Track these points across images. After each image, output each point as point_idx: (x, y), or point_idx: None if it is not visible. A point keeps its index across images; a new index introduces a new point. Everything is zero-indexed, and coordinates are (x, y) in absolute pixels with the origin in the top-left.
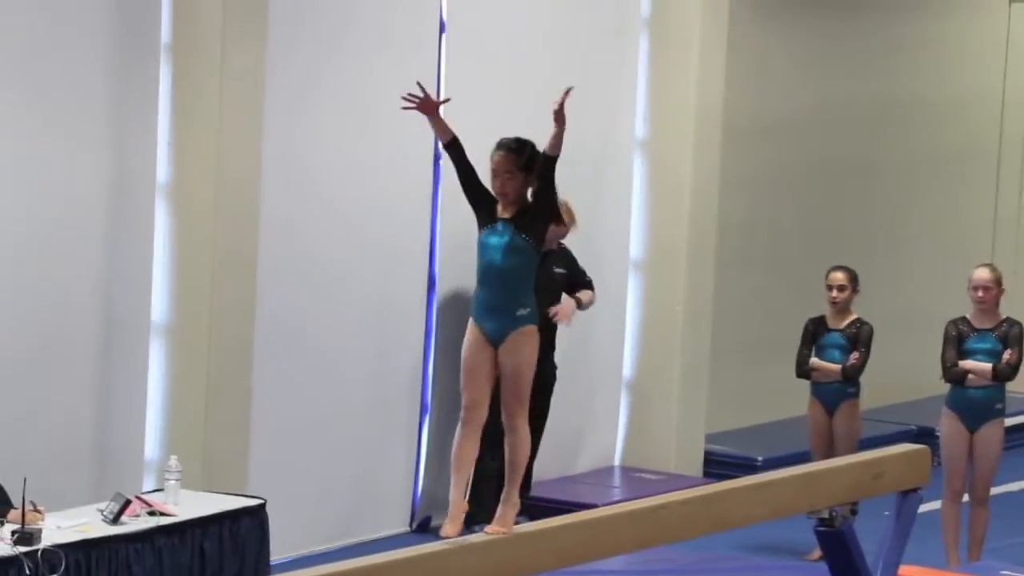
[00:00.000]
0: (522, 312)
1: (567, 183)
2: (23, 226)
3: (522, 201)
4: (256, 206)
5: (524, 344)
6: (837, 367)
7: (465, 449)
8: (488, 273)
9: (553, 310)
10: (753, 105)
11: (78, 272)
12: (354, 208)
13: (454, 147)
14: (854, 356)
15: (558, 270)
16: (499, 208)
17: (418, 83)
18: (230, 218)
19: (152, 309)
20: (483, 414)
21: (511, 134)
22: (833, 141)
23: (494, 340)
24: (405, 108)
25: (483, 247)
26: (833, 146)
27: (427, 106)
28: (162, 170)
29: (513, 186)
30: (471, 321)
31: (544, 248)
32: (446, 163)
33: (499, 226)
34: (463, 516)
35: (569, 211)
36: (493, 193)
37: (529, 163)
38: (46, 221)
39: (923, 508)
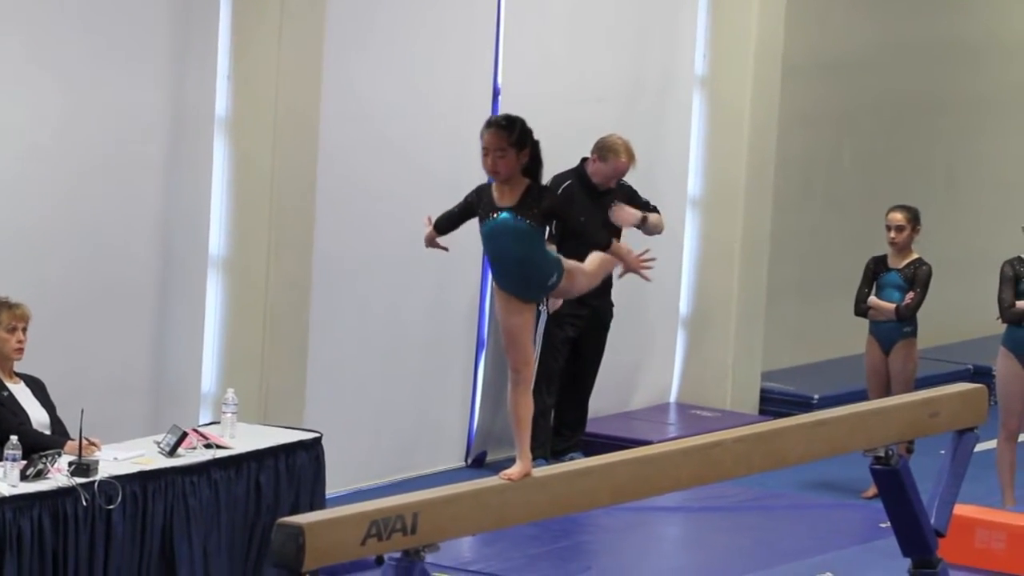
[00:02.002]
0: (552, 281)
1: (626, 120)
2: (83, 160)
3: (517, 183)
4: (315, 141)
5: (569, 286)
6: (892, 306)
7: (523, 407)
8: (502, 263)
9: (614, 212)
10: (813, 42)
11: (137, 206)
12: (413, 143)
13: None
14: (909, 296)
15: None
16: (495, 195)
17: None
18: (289, 153)
19: (210, 243)
20: (532, 372)
21: (571, 73)
22: (894, 79)
23: (530, 301)
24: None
25: (488, 238)
26: (894, 84)
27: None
28: (221, 104)
29: (504, 164)
30: (497, 288)
31: (604, 187)
32: (505, 99)
33: (501, 215)
34: (531, 468)
35: (629, 150)
36: (485, 172)
37: (520, 140)
38: (106, 154)
39: (979, 447)
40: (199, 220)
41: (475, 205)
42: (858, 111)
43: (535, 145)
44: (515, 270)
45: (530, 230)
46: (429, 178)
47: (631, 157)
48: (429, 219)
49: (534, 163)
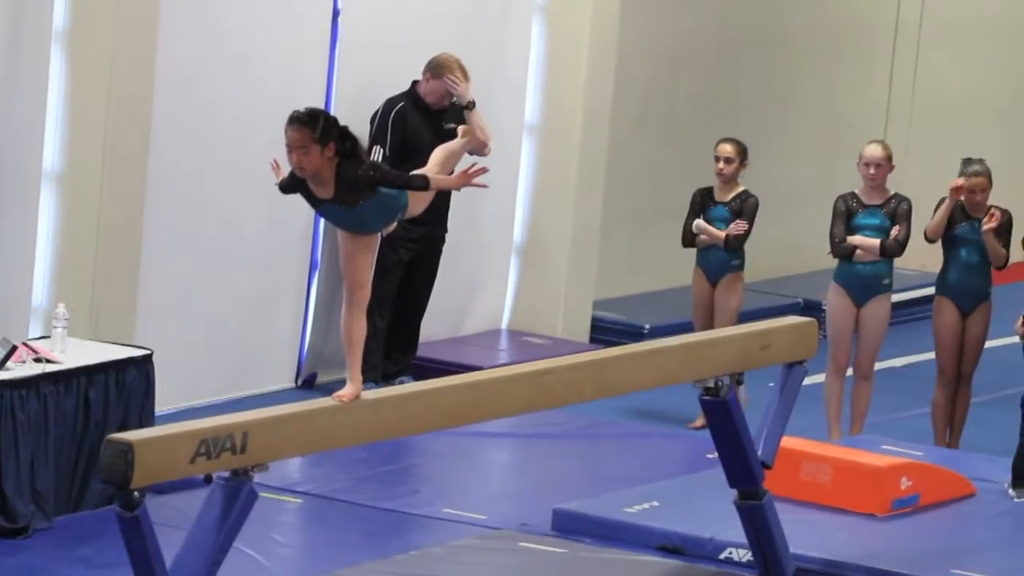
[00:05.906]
0: (398, 218)
1: (465, 43)
2: None
3: (327, 174)
4: (153, 55)
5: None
6: (722, 234)
7: (357, 329)
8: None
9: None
10: None
11: None
12: (253, 60)
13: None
14: (736, 224)
15: (448, 126)
16: (311, 186)
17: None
18: (126, 66)
19: (44, 156)
20: (368, 294)
21: (407, 15)
22: (732, 11)
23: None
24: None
25: (326, 220)
26: (731, 17)
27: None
28: (59, 16)
29: (309, 161)
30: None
31: (436, 106)
32: (344, 19)
33: (327, 208)
34: (361, 389)
35: (462, 66)
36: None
37: (324, 136)
38: None
39: (807, 381)
40: (32, 133)
41: (297, 188)
42: (696, 43)
43: (343, 134)
44: (355, 229)
45: (358, 215)
46: (267, 96)
47: (464, 74)
48: (276, 162)
49: (348, 146)
